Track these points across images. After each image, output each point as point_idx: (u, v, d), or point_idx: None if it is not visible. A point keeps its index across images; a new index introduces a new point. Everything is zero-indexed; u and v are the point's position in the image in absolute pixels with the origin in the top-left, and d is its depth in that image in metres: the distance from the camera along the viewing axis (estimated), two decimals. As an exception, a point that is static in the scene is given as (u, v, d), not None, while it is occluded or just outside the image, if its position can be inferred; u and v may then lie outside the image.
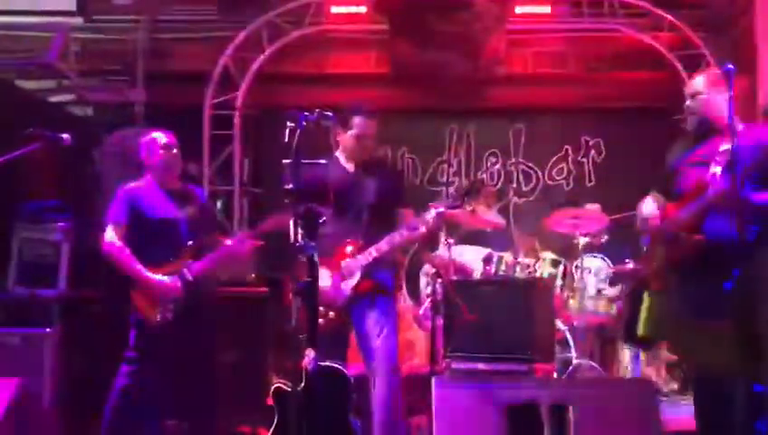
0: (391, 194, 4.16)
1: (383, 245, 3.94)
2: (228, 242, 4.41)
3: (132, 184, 4.40)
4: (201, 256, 4.30)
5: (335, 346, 3.89)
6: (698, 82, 3.69)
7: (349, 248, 4.01)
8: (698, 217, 3.43)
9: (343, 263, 3.99)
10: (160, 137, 4.41)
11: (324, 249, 3.87)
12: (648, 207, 3.70)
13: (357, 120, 4.12)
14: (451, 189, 4.01)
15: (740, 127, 3.42)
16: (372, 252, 3.94)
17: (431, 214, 3.91)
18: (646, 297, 3.71)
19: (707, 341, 3.28)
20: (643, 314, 3.72)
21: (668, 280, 3.53)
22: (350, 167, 4.19)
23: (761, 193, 3.31)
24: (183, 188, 4.49)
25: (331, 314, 3.94)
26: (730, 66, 3.25)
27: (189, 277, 4.23)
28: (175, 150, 4.43)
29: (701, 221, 3.42)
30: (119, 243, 4.25)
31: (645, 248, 3.81)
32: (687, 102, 3.67)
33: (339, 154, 4.23)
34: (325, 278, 3.87)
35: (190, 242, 4.30)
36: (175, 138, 4.45)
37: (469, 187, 3.99)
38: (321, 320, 3.82)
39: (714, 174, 3.45)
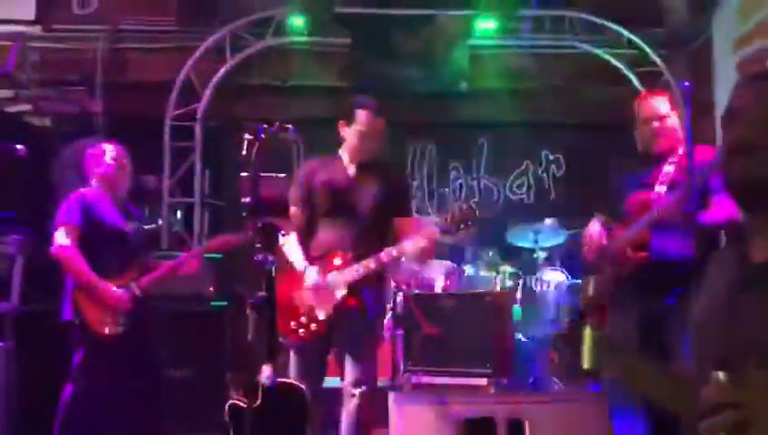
0: (391, 203, 3.86)
1: (371, 263, 3.70)
2: (173, 260, 4.39)
3: (84, 189, 4.30)
4: (143, 272, 4.26)
5: (315, 358, 3.83)
6: (664, 103, 3.67)
7: (337, 260, 3.77)
8: (644, 234, 3.45)
9: (329, 276, 3.76)
10: (109, 148, 4.35)
11: (314, 257, 3.84)
12: (593, 227, 3.69)
13: (361, 114, 3.83)
14: (447, 215, 3.71)
15: (683, 149, 3.47)
16: (359, 269, 3.71)
17: (420, 241, 3.64)
18: (587, 330, 3.70)
19: (652, 371, 3.30)
20: (586, 347, 3.71)
21: (604, 311, 3.55)
22: (350, 169, 3.91)
23: (707, 212, 3.36)
24: (125, 204, 4.44)
25: (314, 326, 3.76)
26: (687, 83, 3.29)
27: (137, 292, 4.18)
28: (125, 161, 4.37)
29: (646, 239, 3.45)
30: (71, 245, 4.08)
31: (584, 275, 3.82)
32: (655, 124, 3.62)
33: (342, 152, 3.96)
34: (310, 286, 3.78)
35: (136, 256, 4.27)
36: (125, 151, 4.39)
37: (467, 217, 3.70)
38: (302, 331, 3.77)
39: (658, 193, 3.50)
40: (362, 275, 3.70)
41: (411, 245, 3.65)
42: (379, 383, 5.21)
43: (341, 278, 3.73)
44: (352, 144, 3.88)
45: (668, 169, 3.54)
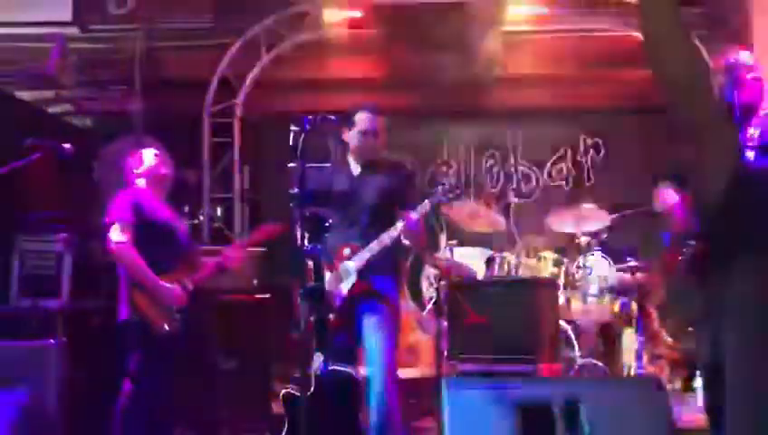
0: (393, 195, 4.09)
1: (374, 245, 3.93)
2: (217, 255, 4.41)
3: (133, 188, 4.34)
4: (192, 268, 4.29)
5: (341, 349, 3.86)
6: (749, 55, 3.26)
7: (346, 251, 3.99)
8: None
9: (341, 265, 3.98)
10: (148, 152, 4.40)
11: (326, 253, 3.95)
12: (669, 197, 3.46)
13: (360, 115, 4.12)
14: (438, 188, 4.03)
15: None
16: (365, 253, 3.94)
17: (413, 215, 3.90)
18: None
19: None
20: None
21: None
22: (355, 169, 4.17)
23: None
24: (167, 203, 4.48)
25: (331, 316, 3.88)
26: (732, 59, 3.21)
27: (190, 287, 4.21)
28: (165, 160, 4.41)
29: None
30: (128, 242, 4.06)
31: (664, 246, 3.63)
32: (751, 75, 3.20)
33: (349, 156, 4.21)
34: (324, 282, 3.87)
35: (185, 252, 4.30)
36: (164, 151, 4.44)
37: (454, 185, 4.05)
38: None
39: (747, 158, 3.14)
40: (369, 258, 3.93)
41: (406, 219, 3.89)
42: (423, 373, 5.25)
43: (351, 266, 3.97)
44: (354, 144, 4.14)
45: (753, 131, 3.18)
